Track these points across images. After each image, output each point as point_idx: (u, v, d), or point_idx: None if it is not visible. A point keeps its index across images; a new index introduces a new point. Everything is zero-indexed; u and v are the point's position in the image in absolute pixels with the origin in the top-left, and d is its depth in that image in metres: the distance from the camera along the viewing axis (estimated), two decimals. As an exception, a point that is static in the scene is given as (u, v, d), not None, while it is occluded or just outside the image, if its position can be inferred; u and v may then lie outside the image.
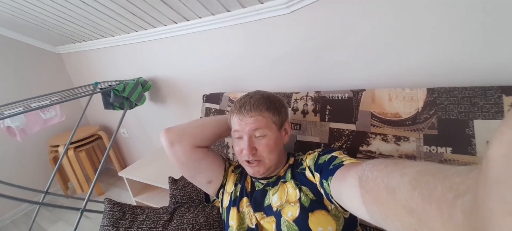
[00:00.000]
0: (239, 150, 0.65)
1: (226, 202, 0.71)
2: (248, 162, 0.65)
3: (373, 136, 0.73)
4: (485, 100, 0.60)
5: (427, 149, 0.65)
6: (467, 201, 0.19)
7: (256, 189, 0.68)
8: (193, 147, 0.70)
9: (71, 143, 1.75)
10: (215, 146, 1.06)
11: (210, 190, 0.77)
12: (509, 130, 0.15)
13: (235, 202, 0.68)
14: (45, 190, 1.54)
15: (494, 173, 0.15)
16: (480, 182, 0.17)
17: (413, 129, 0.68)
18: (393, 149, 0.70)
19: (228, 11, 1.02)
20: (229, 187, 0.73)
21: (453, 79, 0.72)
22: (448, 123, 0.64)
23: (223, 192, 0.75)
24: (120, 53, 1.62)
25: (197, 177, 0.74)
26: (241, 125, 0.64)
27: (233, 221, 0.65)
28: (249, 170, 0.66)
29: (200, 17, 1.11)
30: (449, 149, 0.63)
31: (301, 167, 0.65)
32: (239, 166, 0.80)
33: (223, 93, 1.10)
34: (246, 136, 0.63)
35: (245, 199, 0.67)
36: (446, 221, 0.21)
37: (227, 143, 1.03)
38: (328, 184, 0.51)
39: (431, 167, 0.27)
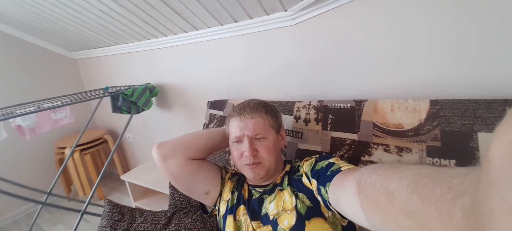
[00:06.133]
0: (239, 154, 0.65)
1: (222, 210, 0.70)
2: (248, 165, 0.64)
3: (375, 146, 0.72)
4: (489, 113, 0.60)
5: (430, 161, 0.64)
6: (467, 201, 0.19)
7: (253, 197, 0.67)
8: (187, 159, 0.69)
9: (78, 146, 1.78)
10: (217, 153, 1.06)
11: (208, 201, 0.75)
12: (509, 129, 0.15)
13: (231, 209, 0.67)
14: (48, 191, 1.56)
15: (495, 173, 0.15)
16: (480, 182, 0.17)
17: (416, 140, 0.67)
18: (395, 160, 0.69)
19: (236, 21, 1.07)
20: (226, 195, 0.72)
21: (456, 92, 0.72)
22: (452, 135, 0.63)
23: (220, 200, 0.74)
24: (132, 59, 1.69)
25: (193, 189, 0.73)
26: (242, 127, 0.65)
27: (229, 229, 0.64)
28: (249, 174, 0.65)
29: (209, 27, 1.16)
30: (452, 162, 0.62)
31: (297, 173, 0.64)
32: (235, 174, 0.79)
33: (227, 100, 1.12)
34: (247, 137, 0.64)
35: (241, 207, 0.66)
36: (446, 222, 0.21)
37: (229, 149, 1.03)
38: (326, 190, 0.51)
39: (429, 169, 0.28)
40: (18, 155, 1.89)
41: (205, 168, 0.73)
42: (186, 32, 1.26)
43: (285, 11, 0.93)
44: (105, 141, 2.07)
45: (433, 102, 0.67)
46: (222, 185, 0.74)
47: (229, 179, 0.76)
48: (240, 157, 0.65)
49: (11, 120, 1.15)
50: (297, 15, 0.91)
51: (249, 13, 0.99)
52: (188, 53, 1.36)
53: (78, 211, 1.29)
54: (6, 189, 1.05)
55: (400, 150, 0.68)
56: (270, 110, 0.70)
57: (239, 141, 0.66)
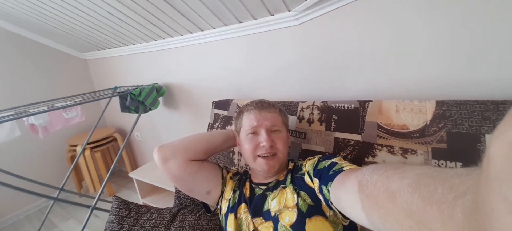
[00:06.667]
0: (253, 146, 0.67)
1: (224, 208, 0.72)
2: (263, 157, 0.66)
3: (379, 147, 0.71)
4: (497, 114, 0.58)
5: (435, 163, 0.63)
6: (467, 201, 0.19)
7: (256, 194, 0.68)
8: (187, 161, 0.71)
9: (88, 143, 1.84)
10: (221, 153, 1.07)
11: (210, 200, 0.77)
12: (510, 128, 0.15)
13: (233, 208, 0.68)
14: (60, 187, 1.61)
15: (495, 172, 0.15)
16: (481, 181, 0.17)
17: (421, 141, 0.66)
18: (400, 161, 0.68)
19: (240, 22, 1.07)
20: (227, 194, 0.73)
21: (463, 92, 0.70)
22: (458, 137, 0.61)
23: (221, 199, 0.75)
24: (140, 60, 1.72)
25: (195, 189, 0.74)
26: (260, 119, 0.68)
27: (230, 228, 0.65)
28: (264, 166, 0.66)
29: (214, 28, 1.17)
30: (459, 164, 0.60)
31: (300, 172, 0.65)
32: (237, 173, 0.81)
33: (231, 100, 1.13)
34: (265, 128, 0.67)
35: (243, 205, 0.67)
36: (447, 221, 0.21)
37: (233, 148, 1.04)
38: (328, 189, 0.51)
39: (431, 170, 0.27)
40: (31, 152, 1.97)
41: (205, 169, 0.74)
42: (191, 33, 1.27)
43: (289, 11, 0.92)
44: (115, 139, 2.12)
45: (439, 103, 0.66)
46: (223, 185, 0.76)
47: (231, 178, 0.77)
48: (255, 149, 0.67)
49: (24, 118, 1.20)
50: (301, 15, 0.91)
51: (253, 13, 0.99)
52: (194, 54, 1.38)
53: (89, 206, 1.33)
54: (19, 185, 1.10)
55: (404, 151, 0.67)
56: (282, 110, 0.76)
57: (255, 132, 0.68)
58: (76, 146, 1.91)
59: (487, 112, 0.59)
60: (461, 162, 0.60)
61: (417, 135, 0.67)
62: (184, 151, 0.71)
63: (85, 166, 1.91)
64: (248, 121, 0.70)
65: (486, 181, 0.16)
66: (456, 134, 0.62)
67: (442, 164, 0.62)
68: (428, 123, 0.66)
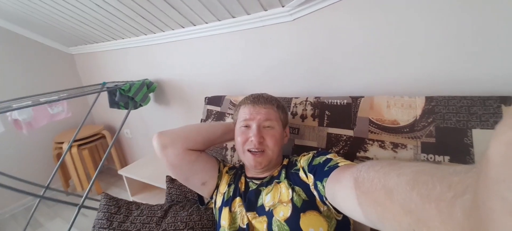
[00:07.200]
0: (245, 139, 0.67)
1: (218, 202, 0.71)
2: (251, 152, 0.65)
3: (371, 142, 0.72)
4: (484, 110, 0.60)
5: (424, 157, 0.65)
6: (467, 200, 0.19)
7: (250, 189, 0.68)
8: (186, 149, 0.70)
9: (75, 141, 1.78)
10: (214, 148, 1.06)
11: (205, 192, 0.77)
12: (508, 129, 0.15)
13: (227, 202, 0.68)
14: (46, 185, 1.56)
15: (494, 172, 0.15)
16: (480, 181, 0.17)
17: (411, 136, 0.67)
18: (390, 156, 0.69)
19: (233, 17, 1.06)
20: (223, 187, 0.73)
21: (452, 88, 0.72)
22: (446, 132, 0.63)
23: (216, 193, 0.75)
24: (129, 55, 1.68)
25: (191, 179, 0.74)
26: (253, 113, 0.67)
27: (224, 221, 0.65)
28: (251, 162, 0.66)
29: (207, 22, 1.16)
30: (447, 158, 0.62)
31: (295, 168, 0.65)
32: (233, 167, 0.80)
33: (224, 96, 1.12)
34: (256, 123, 0.66)
35: (237, 199, 0.67)
36: (446, 220, 0.21)
37: (226, 145, 1.03)
38: (323, 185, 0.51)
39: (428, 167, 0.27)
40: (17, 149, 1.89)
41: (203, 159, 0.74)
42: (183, 27, 1.25)
43: (283, 7, 0.92)
44: (103, 137, 2.07)
45: (429, 99, 0.67)
46: (219, 178, 0.75)
47: (227, 172, 0.77)
48: (244, 142, 0.67)
49: (8, 113, 1.15)
50: (295, 11, 0.91)
51: (247, 8, 0.98)
52: (186, 49, 1.35)
53: (76, 205, 1.29)
54: (4, 183, 1.05)
55: (395, 146, 0.69)
56: (281, 106, 0.74)
57: (247, 125, 0.68)
58: (62, 143, 1.85)
59: (474, 108, 0.61)
60: (449, 155, 0.62)
61: (407, 129, 0.68)
62: (184, 140, 0.70)
63: (72, 164, 1.85)
64: (242, 114, 0.70)
65: (485, 181, 0.16)
66: (444, 128, 0.64)
67: (431, 158, 0.64)
68: (417, 118, 0.68)
